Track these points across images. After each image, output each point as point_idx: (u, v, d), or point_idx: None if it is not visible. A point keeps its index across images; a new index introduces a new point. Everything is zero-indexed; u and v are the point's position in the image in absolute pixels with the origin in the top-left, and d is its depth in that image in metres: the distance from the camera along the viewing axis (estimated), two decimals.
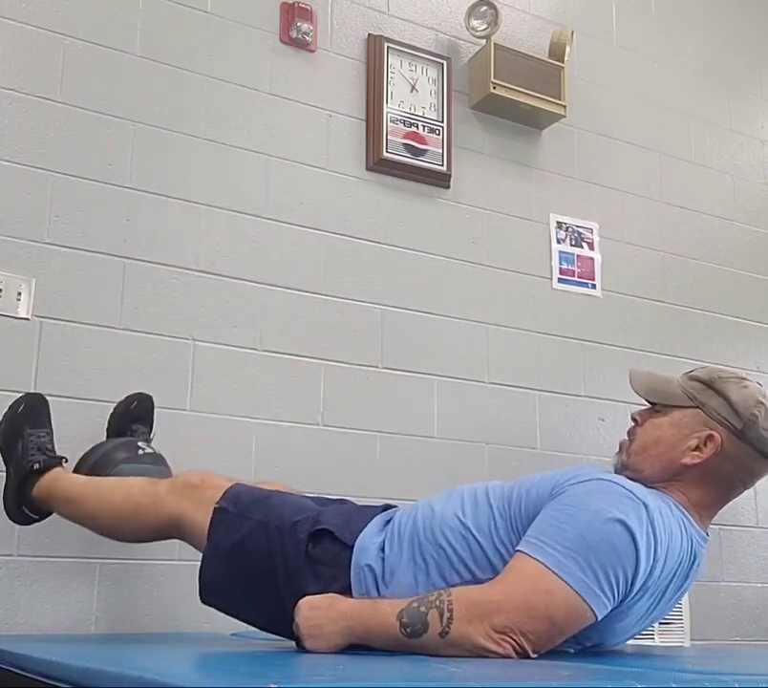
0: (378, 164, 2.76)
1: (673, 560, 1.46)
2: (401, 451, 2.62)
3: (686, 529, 1.50)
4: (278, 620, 1.57)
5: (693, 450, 1.53)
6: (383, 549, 1.58)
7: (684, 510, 1.52)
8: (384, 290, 2.71)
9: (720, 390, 1.56)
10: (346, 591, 1.55)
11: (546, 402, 2.88)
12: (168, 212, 2.46)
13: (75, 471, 2.07)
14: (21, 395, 2.12)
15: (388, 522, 1.65)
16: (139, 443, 2.15)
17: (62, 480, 2.00)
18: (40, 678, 1.28)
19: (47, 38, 2.40)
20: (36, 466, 2.01)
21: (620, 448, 1.63)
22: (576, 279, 3.03)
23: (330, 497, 1.88)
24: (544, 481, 1.53)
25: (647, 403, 1.65)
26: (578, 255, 3.06)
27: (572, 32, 3.08)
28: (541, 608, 1.35)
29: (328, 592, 1.52)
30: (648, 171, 3.28)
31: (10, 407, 2.09)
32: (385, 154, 2.75)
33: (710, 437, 1.53)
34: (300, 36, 2.71)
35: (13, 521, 2.07)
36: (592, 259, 3.08)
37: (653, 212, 3.25)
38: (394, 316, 2.70)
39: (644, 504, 1.43)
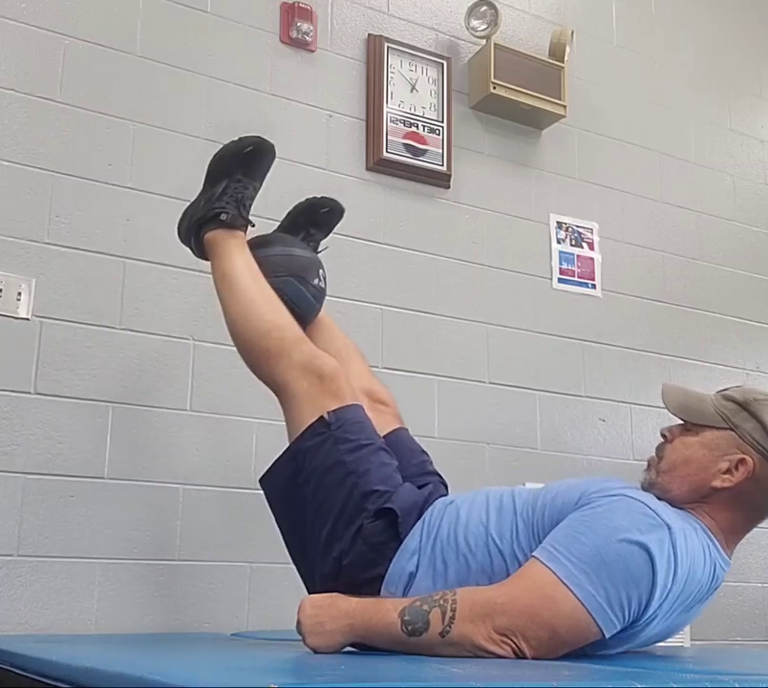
0: (378, 164, 2.76)
1: (694, 584, 1.43)
2: None
3: (710, 554, 1.46)
4: (300, 554, 1.67)
5: (724, 473, 1.49)
6: (419, 554, 1.57)
7: (711, 534, 1.49)
8: (384, 290, 2.71)
9: (755, 413, 1.51)
10: (377, 580, 1.55)
11: (546, 402, 2.88)
12: (168, 212, 2.46)
13: (250, 247, 1.96)
14: (254, 135, 1.98)
15: (422, 527, 1.63)
16: (320, 271, 2.07)
17: (233, 253, 1.90)
18: (40, 678, 1.28)
19: (47, 38, 2.40)
20: (223, 217, 1.92)
21: (648, 466, 1.58)
22: (576, 279, 3.03)
23: (421, 457, 1.90)
24: (570, 489, 1.51)
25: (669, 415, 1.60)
26: (578, 255, 3.06)
27: (572, 32, 3.08)
28: (544, 615, 1.34)
29: (359, 572, 1.55)
30: (648, 171, 3.28)
31: (238, 140, 1.96)
32: (385, 154, 2.75)
33: (742, 460, 1.49)
34: (300, 36, 2.71)
35: (179, 237, 2.03)
36: (592, 259, 3.08)
37: (653, 212, 3.25)
38: (394, 316, 2.70)
39: (668, 525, 1.40)
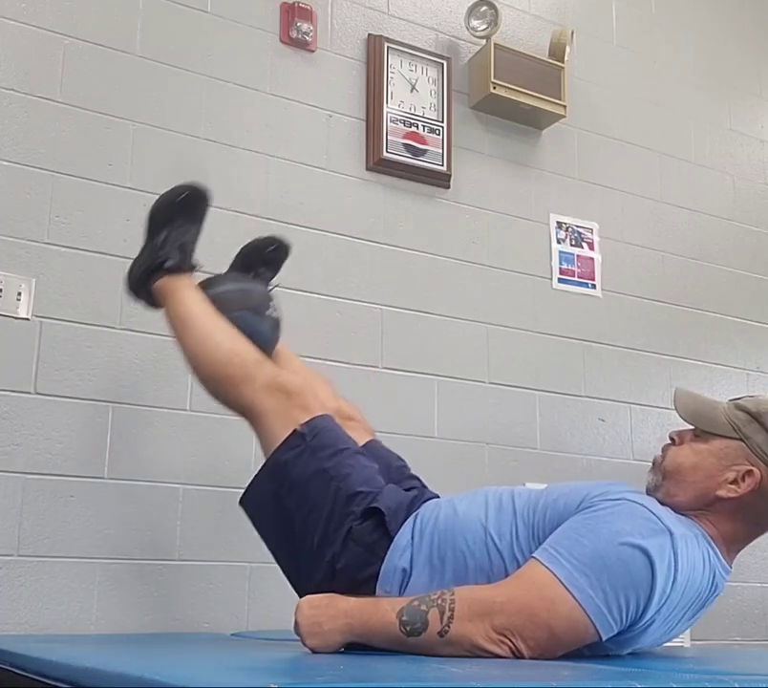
0: (378, 164, 2.76)
1: (693, 590, 1.43)
2: (401, 451, 2.61)
3: (709, 561, 1.46)
4: (294, 565, 1.63)
5: (731, 483, 1.49)
6: (411, 553, 1.57)
7: (711, 542, 1.49)
8: (384, 290, 2.71)
9: (766, 425, 1.51)
10: (372, 579, 1.55)
11: (546, 402, 2.88)
12: None
13: (201, 286, 1.99)
14: (186, 183, 2.03)
15: (414, 524, 1.63)
16: (272, 303, 2.09)
17: (184, 294, 1.93)
18: (40, 678, 1.28)
19: (47, 38, 2.40)
20: (169, 264, 1.95)
21: (653, 466, 1.59)
22: (576, 279, 3.03)
23: (399, 462, 1.92)
24: (573, 492, 1.51)
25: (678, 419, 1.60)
26: (578, 255, 3.06)
27: (572, 32, 3.08)
28: (542, 616, 1.34)
29: (354, 573, 1.55)
30: (648, 171, 3.28)
31: (172, 190, 2.01)
32: (385, 154, 2.75)
33: (749, 472, 1.49)
34: (300, 36, 2.71)
35: (129, 292, 2.05)
36: (592, 259, 3.08)
37: (653, 212, 3.25)
38: (393, 316, 2.70)
39: (669, 531, 1.40)
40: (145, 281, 1.99)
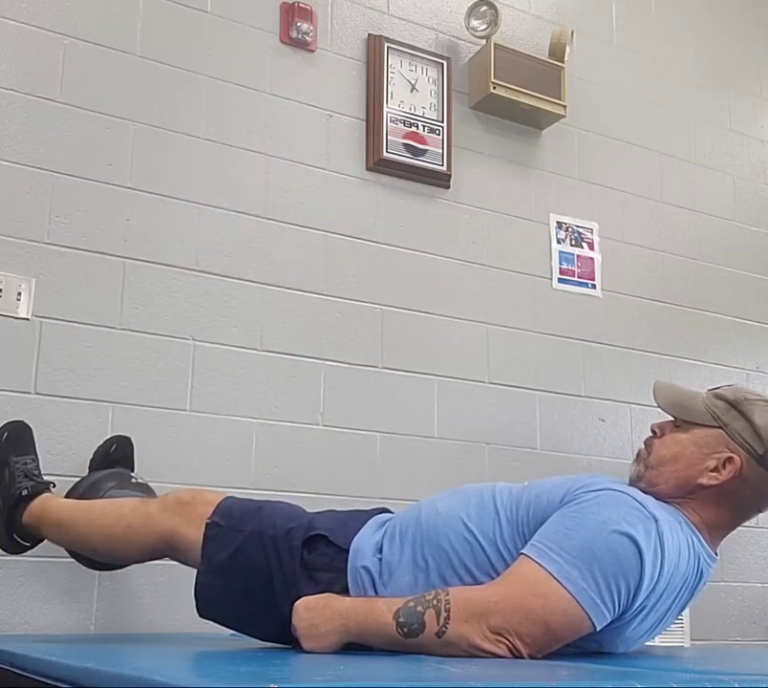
0: (378, 164, 2.76)
1: (679, 577, 1.44)
2: (401, 451, 2.62)
3: (693, 547, 1.48)
4: (279, 629, 1.56)
5: (712, 471, 1.50)
6: (380, 550, 1.57)
7: (694, 529, 1.50)
8: (384, 290, 2.71)
9: (745, 412, 1.52)
10: (344, 593, 1.54)
11: (546, 402, 2.88)
12: (168, 212, 2.46)
13: (66, 496, 2.06)
14: (2, 424, 2.10)
15: (384, 523, 1.64)
16: (131, 474, 2.15)
17: (52, 504, 1.99)
18: (40, 678, 1.28)
19: (47, 38, 2.40)
20: (25, 492, 2.00)
21: (637, 457, 1.60)
22: (576, 279, 3.03)
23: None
24: (555, 487, 1.51)
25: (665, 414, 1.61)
26: (578, 255, 3.06)
27: (572, 32, 3.08)
28: (538, 612, 1.34)
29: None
30: (648, 171, 3.28)
31: None
32: (385, 154, 2.75)
33: (729, 459, 1.50)
34: (300, 36, 2.71)
35: (4, 550, 2.05)
36: (592, 259, 3.08)
37: (653, 212, 3.25)
38: (394, 316, 2.70)
39: (654, 517, 1.41)
40: (15, 522, 2.02)
